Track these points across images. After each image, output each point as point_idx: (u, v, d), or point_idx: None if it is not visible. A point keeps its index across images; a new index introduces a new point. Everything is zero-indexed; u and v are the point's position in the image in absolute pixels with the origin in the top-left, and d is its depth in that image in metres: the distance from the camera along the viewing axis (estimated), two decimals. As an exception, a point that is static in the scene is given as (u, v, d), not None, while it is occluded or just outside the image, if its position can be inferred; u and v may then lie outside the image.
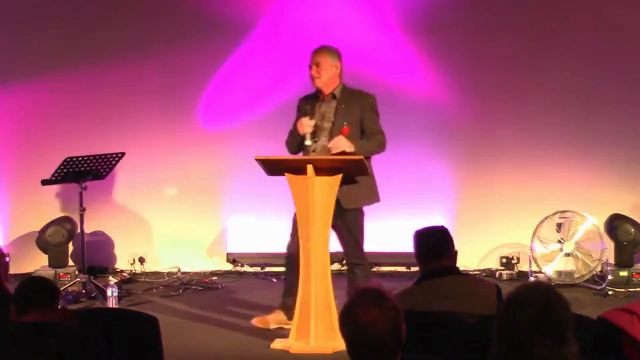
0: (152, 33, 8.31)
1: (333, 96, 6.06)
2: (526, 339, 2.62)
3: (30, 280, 3.75)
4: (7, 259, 4.67)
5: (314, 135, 5.95)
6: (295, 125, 6.10)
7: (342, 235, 6.13)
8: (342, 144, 5.88)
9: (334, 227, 5.97)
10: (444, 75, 8.24)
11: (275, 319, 6.14)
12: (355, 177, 5.92)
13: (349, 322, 2.70)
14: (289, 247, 6.18)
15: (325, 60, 6.03)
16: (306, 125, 5.92)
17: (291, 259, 6.14)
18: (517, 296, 2.71)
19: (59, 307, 3.58)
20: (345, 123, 5.94)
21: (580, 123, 8.14)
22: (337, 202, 5.82)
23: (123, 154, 7.37)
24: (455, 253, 4.11)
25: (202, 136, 8.28)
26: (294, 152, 6.12)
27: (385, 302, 2.70)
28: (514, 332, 2.64)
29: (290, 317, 5.98)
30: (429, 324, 3.64)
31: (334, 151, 5.88)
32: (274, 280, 8.04)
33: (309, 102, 6.11)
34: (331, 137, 5.95)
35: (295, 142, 6.06)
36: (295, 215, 5.95)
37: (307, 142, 5.92)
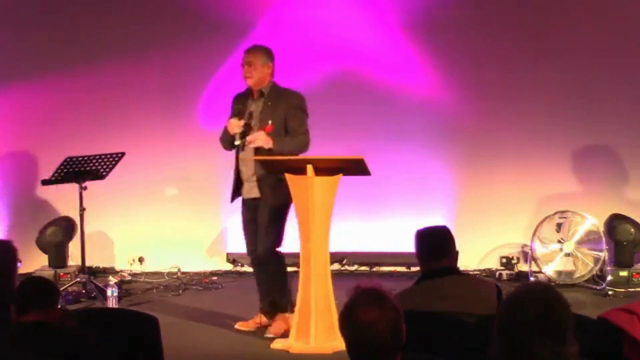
0: (152, 33, 8.31)
1: (261, 94, 6.10)
2: (526, 339, 2.62)
3: (30, 281, 3.75)
4: (19, 263, 4.67)
5: (244, 134, 5.99)
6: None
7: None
8: (261, 138, 5.93)
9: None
10: (444, 75, 8.24)
11: (255, 321, 6.23)
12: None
13: (349, 322, 2.70)
14: (249, 252, 6.32)
15: (258, 60, 6.08)
16: (235, 125, 6.00)
17: (251, 259, 6.40)
18: (517, 296, 2.72)
19: (59, 307, 3.57)
20: (270, 121, 5.97)
21: (581, 123, 8.14)
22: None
23: (123, 154, 7.36)
24: (457, 253, 4.11)
25: (202, 136, 8.27)
26: (228, 149, 6.19)
27: (386, 302, 2.70)
28: (514, 332, 2.64)
29: (270, 317, 6.17)
30: (429, 324, 3.64)
31: (251, 145, 5.97)
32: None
33: (241, 101, 6.18)
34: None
35: (228, 141, 6.13)
36: (244, 220, 6.20)
37: (237, 142, 6.02)
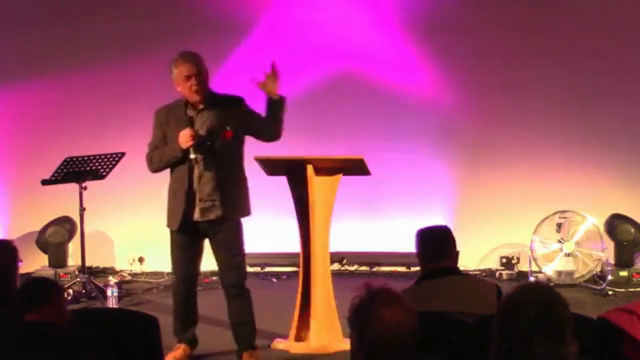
0: (152, 33, 8.31)
1: (202, 103, 5.40)
2: (526, 338, 2.62)
3: (34, 280, 3.73)
4: (20, 262, 4.66)
5: (199, 146, 5.29)
6: (159, 139, 5.51)
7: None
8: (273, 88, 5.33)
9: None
10: (444, 75, 8.24)
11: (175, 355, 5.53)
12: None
13: (371, 321, 2.67)
14: (179, 277, 5.59)
15: (205, 69, 5.38)
16: (188, 137, 5.27)
17: (180, 288, 5.60)
18: (517, 296, 2.71)
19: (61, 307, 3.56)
20: (228, 127, 5.33)
21: (581, 123, 8.15)
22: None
23: (123, 154, 7.36)
24: (457, 253, 4.11)
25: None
26: (158, 170, 5.56)
27: (406, 304, 2.70)
28: (514, 332, 2.64)
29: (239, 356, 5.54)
30: (429, 324, 3.63)
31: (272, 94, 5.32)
32: (274, 280, 8.05)
33: (173, 114, 5.45)
34: (215, 146, 5.34)
35: (171, 157, 5.40)
36: (184, 245, 5.45)
37: (192, 156, 5.29)
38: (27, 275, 7.61)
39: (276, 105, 5.36)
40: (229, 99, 5.49)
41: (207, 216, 5.36)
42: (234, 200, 5.39)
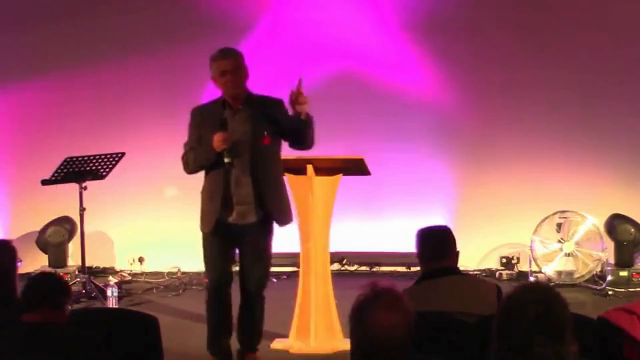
0: (152, 33, 8.32)
1: (240, 104, 5.23)
2: (526, 338, 2.62)
3: (42, 278, 3.65)
4: (19, 262, 4.66)
5: (232, 150, 5.09)
6: (195, 141, 5.29)
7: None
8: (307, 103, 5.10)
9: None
10: (444, 75, 8.24)
11: None
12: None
13: (365, 323, 2.68)
14: (213, 281, 5.39)
15: (243, 65, 5.22)
16: (222, 140, 5.07)
17: (213, 293, 5.41)
18: (517, 296, 2.72)
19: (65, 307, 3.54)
20: (265, 132, 5.15)
21: (581, 123, 8.14)
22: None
23: (123, 154, 7.37)
24: (457, 253, 4.11)
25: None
26: (195, 171, 5.34)
27: (403, 306, 2.70)
28: (514, 332, 2.65)
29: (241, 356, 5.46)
30: (429, 324, 3.64)
31: (304, 110, 5.09)
32: (274, 280, 8.04)
33: (210, 114, 5.26)
34: (252, 150, 5.15)
35: (208, 160, 5.18)
36: (220, 246, 5.25)
37: (227, 160, 5.08)
38: (27, 275, 7.61)
39: (303, 124, 5.12)
40: (268, 102, 5.26)
41: (244, 220, 5.17)
42: (272, 205, 5.19)
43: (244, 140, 5.13)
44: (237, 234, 5.22)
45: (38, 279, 3.61)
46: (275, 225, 5.33)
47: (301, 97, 5.09)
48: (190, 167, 5.31)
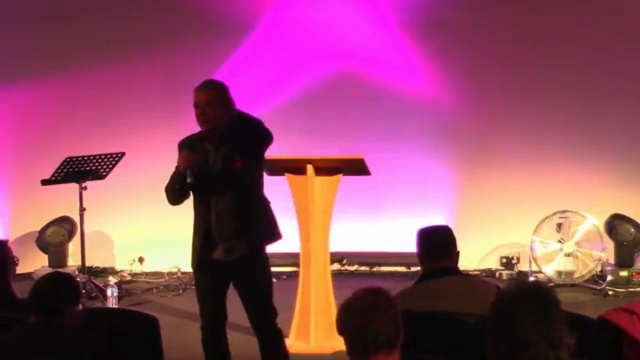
0: (152, 33, 8.32)
1: (220, 135, 4.86)
2: (520, 335, 2.60)
3: (53, 285, 3.52)
4: (16, 262, 4.64)
5: (196, 173, 4.81)
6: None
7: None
8: None
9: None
10: (444, 75, 8.24)
11: None
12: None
13: (349, 312, 2.80)
14: (205, 319, 5.02)
15: (219, 101, 4.79)
16: (187, 159, 4.86)
17: (209, 334, 5.06)
18: (508, 294, 2.71)
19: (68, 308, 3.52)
20: (237, 157, 4.79)
21: (581, 123, 8.15)
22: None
23: (123, 154, 7.37)
24: (457, 253, 4.11)
25: (202, 136, 8.28)
26: (175, 201, 5.01)
27: (383, 293, 2.80)
28: (506, 331, 2.63)
29: None
30: (429, 323, 3.64)
31: None
32: (274, 280, 8.02)
33: (197, 148, 4.93)
34: (228, 180, 4.85)
35: (179, 183, 4.90)
36: (211, 284, 4.90)
37: (189, 180, 4.80)
38: (27, 275, 7.62)
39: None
40: (246, 126, 4.86)
41: (231, 255, 4.82)
42: (256, 234, 4.89)
43: (220, 174, 4.83)
44: (227, 269, 4.86)
45: (49, 284, 3.51)
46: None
47: None
48: (167, 195, 5.02)
